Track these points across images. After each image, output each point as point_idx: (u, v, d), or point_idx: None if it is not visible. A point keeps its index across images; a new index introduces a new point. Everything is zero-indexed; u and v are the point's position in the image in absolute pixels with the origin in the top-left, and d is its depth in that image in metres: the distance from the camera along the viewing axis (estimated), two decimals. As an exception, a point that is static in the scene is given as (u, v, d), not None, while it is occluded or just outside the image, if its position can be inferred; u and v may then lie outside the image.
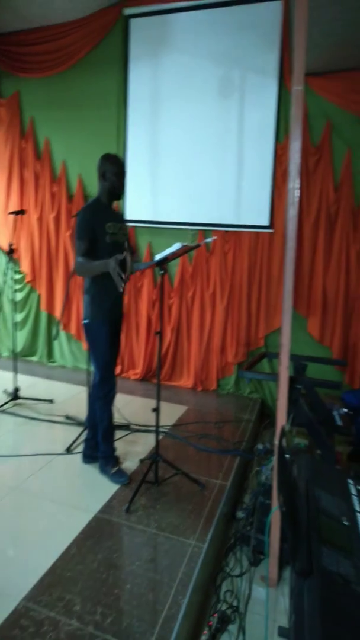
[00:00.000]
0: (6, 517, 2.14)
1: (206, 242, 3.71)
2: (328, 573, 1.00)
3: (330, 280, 3.66)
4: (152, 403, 2.42)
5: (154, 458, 2.42)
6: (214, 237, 3.53)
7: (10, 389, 3.56)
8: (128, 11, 3.99)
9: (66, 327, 4.60)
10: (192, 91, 3.88)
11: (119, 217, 2.57)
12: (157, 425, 2.42)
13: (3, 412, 3.35)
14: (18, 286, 4.69)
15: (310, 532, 1.11)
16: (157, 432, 2.43)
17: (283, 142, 3.66)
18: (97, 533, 2.03)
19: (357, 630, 0.88)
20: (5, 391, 3.63)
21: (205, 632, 1.64)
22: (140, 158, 4.13)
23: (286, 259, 1.81)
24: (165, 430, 3.15)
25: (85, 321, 2.45)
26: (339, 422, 2.52)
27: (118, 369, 4.32)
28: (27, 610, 1.60)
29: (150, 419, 2.47)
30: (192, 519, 2.17)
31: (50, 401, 3.59)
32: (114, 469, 2.49)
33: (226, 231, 3.93)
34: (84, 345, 4.25)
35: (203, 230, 4.01)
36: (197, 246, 2.64)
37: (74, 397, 3.71)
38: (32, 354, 4.78)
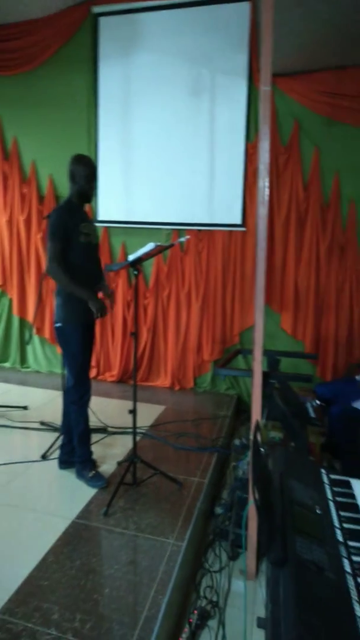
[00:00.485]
0: (-20, 528, 2.08)
1: (180, 242, 3.73)
2: (302, 561, 1.01)
3: (301, 277, 3.74)
4: (129, 404, 2.40)
5: (131, 459, 2.40)
6: (187, 237, 3.55)
7: (-17, 395, 3.47)
8: (97, 9, 3.96)
9: (39, 331, 4.52)
10: (163, 91, 3.88)
11: (89, 219, 2.55)
12: (134, 427, 2.41)
13: (-25, 420, 3.25)
14: (-12, 291, 4.57)
15: (284, 523, 1.13)
16: (134, 434, 2.41)
17: (253, 142, 3.71)
18: (75, 539, 2.00)
19: (331, 616, 0.90)
20: (-23, 398, 3.53)
21: (186, 629, 1.64)
22: (112, 158, 4.10)
23: (257, 257, 1.84)
24: (143, 431, 3.14)
25: (58, 324, 2.41)
26: (312, 414, 2.58)
27: (94, 372, 4.27)
28: (4, 623, 1.56)
29: (128, 421, 2.46)
30: (171, 518, 2.17)
31: (25, 407, 3.51)
32: (91, 473, 2.46)
33: (200, 230, 3.95)
34: (59, 349, 4.18)
35: (177, 229, 4.02)
36: (171, 246, 2.64)
37: (49, 403, 3.64)
38: (5, 360, 4.66)
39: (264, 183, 1.80)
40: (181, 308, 4.09)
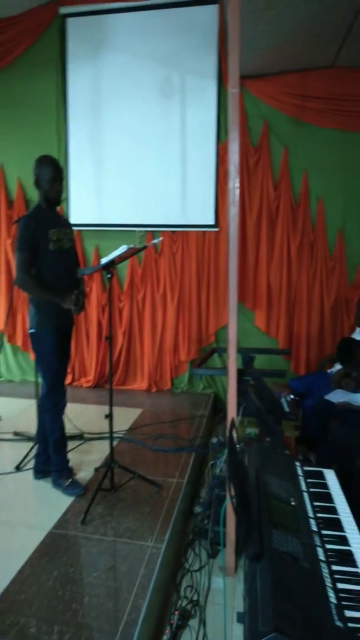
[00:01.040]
0: None
1: (154, 243, 3.72)
2: (278, 553, 1.02)
3: (273, 275, 3.80)
4: (106, 409, 2.36)
5: (108, 465, 2.36)
6: (161, 238, 3.54)
7: None
8: (64, 10, 3.92)
9: (11, 339, 4.40)
10: (133, 92, 3.87)
11: (63, 222, 2.50)
12: (111, 431, 2.37)
13: None
14: None
15: (260, 517, 1.14)
16: (110, 438, 2.38)
17: (224, 142, 3.75)
18: (52, 550, 1.95)
19: (306, 604, 0.91)
20: None
21: (167, 631, 1.63)
22: (83, 160, 4.05)
23: (229, 256, 1.86)
24: (120, 435, 3.10)
25: (31, 331, 2.36)
26: (287, 409, 2.62)
27: (69, 378, 4.20)
28: (-20, 642, 1.50)
29: (105, 426, 2.42)
30: (150, 521, 2.14)
31: (-2, 418, 3.41)
32: (68, 481, 2.41)
33: (174, 231, 3.96)
34: (32, 357, 4.09)
35: (151, 231, 4.01)
36: (144, 247, 2.63)
37: (23, 412, 3.55)
38: (-24, 369, 4.53)
39: (234, 184, 1.83)
40: (157, 309, 4.08)
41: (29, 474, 2.58)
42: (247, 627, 0.95)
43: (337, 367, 3.03)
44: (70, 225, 2.55)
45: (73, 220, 4.10)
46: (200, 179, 3.84)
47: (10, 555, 1.92)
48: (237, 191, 1.83)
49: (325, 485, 1.35)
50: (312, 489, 1.32)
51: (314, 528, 1.13)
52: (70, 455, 2.57)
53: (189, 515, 2.35)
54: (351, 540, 1.09)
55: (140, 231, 4.02)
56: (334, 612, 0.87)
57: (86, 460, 2.74)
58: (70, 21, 3.95)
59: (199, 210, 3.88)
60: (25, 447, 2.84)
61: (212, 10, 3.65)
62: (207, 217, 3.87)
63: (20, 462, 2.68)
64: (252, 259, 3.82)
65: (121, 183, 3.99)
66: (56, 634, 1.52)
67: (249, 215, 3.78)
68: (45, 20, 3.97)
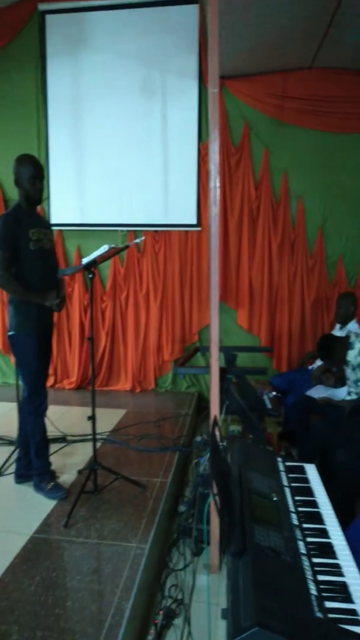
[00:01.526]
0: None
1: (135, 243, 3.71)
2: (260, 548, 1.02)
3: (255, 273, 3.83)
4: (90, 411, 2.34)
5: (92, 467, 2.34)
6: (143, 238, 3.53)
7: None
8: (43, 7, 3.87)
9: (-9, 341, 4.32)
10: (114, 91, 3.84)
11: (43, 222, 2.48)
12: (94, 433, 2.35)
13: None
14: None
15: (243, 514, 1.14)
16: (94, 440, 2.35)
17: (206, 142, 3.76)
18: (34, 555, 1.92)
19: (287, 598, 0.91)
20: None
21: (152, 631, 1.62)
22: (63, 159, 4.01)
23: (211, 256, 1.87)
24: (104, 436, 3.08)
25: (11, 333, 2.33)
26: (269, 405, 2.64)
27: (51, 380, 4.15)
28: None
29: (88, 428, 2.40)
30: (134, 522, 2.13)
31: (-23, 421, 3.34)
32: (50, 485, 2.37)
33: (156, 231, 3.95)
34: (13, 359, 4.03)
35: (133, 230, 3.99)
36: (126, 247, 2.61)
37: (3, 416, 3.49)
38: None
39: (215, 184, 1.84)
40: (140, 309, 4.07)
41: (10, 479, 2.53)
42: (230, 623, 0.95)
43: (318, 363, 3.08)
44: (50, 226, 2.53)
45: (54, 220, 4.06)
46: (182, 179, 3.84)
47: (-9, 562, 1.88)
48: (218, 191, 1.85)
49: (306, 480, 1.36)
50: (293, 484, 1.33)
51: (295, 522, 1.14)
52: (52, 459, 2.54)
53: (173, 514, 2.35)
54: (331, 533, 1.10)
55: (122, 231, 4.01)
56: (315, 603, 0.88)
57: (69, 463, 2.71)
58: (50, 18, 3.90)
59: (181, 210, 3.88)
60: (6, 451, 2.79)
61: (192, 10, 3.66)
62: (189, 216, 3.88)
63: (1, 467, 2.64)
64: (234, 258, 3.85)
65: (103, 182, 3.96)
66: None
67: (231, 214, 3.80)
68: (24, 16, 3.92)
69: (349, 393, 2.61)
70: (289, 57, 3.35)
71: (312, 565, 1.00)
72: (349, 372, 2.61)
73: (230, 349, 2.60)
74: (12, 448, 2.77)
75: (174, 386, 4.12)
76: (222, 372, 1.95)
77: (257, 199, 3.76)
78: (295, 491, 1.29)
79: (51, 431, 2.60)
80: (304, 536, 1.09)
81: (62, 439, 3.02)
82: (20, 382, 2.45)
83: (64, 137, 3.99)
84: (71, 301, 4.13)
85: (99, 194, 3.99)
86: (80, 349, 4.13)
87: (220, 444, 1.45)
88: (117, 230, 4.00)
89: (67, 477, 2.54)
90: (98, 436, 2.43)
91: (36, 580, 1.77)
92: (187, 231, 3.92)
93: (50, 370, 4.08)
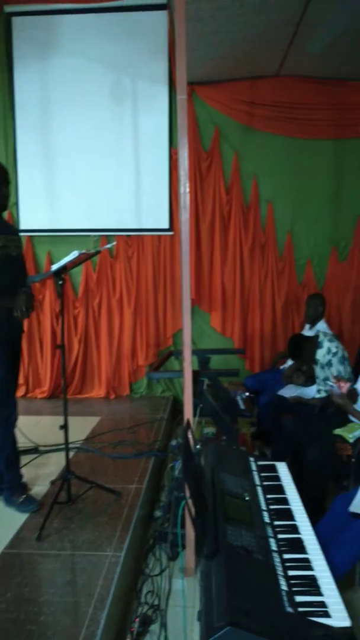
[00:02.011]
0: None
1: (107, 248, 3.68)
2: (232, 548, 1.03)
3: (227, 277, 3.88)
4: (62, 420, 2.28)
5: (64, 476, 2.28)
6: (114, 242, 3.51)
7: None
8: (9, 9, 3.81)
9: None
10: (84, 96, 3.81)
11: (9, 228, 2.42)
12: (67, 442, 2.29)
13: None
14: None
15: (216, 515, 1.14)
16: (67, 449, 2.29)
17: (177, 147, 3.78)
18: (5, 571, 1.85)
19: (259, 596, 0.92)
20: None
21: (128, 639, 1.59)
22: (33, 163, 3.93)
23: (182, 260, 1.88)
24: (77, 445, 3.02)
25: None
26: (242, 406, 2.67)
27: (23, 390, 4.04)
28: None
29: (61, 437, 2.34)
30: (109, 530, 2.09)
31: None
32: (21, 498, 2.30)
33: (129, 236, 3.93)
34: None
35: (105, 235, 3.96)
36: (98, 252, 2.59)
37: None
38: None
39: (184, 189, 1.85)
40: (113, 315, 4.03)
41: (-21, 494, 2.44)
42: (203, 624, 0.95)
43: (290, 363, 3.13)
44: (17, 233, 2.47)
45: (23, 225, 3.98)
46: (154, 183, 3.85)
47: None
48: (188, 196, 1.86)
49: (277, 478, 1.38)
50: (265, 483, 1.35)
51: (267, 520, 1.15)
52: (24, 470, 2.46)
53: (149, 520, 2.32)
54: (301, 528, 1.12)
55: (94, 236, 3.97)
56: (285, 599, 0.89)
57: (42, 474, 2.64)
58: (16, 20, 3.84)
59: (153, 215, 3.88)
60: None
61: (161, 16, 3.68)
62: (161, 221, 3.88)
63: (-30, 481, 2.54)
64: (206, 262, 3.88)
65: (74, 187, 3.91)
66: (10, 658, 1.45)
67: (202, 218, 3.83)
68: (-11, 18, 3.84)
69: (319, 391, 2.67)
70: (257, 65, 3.42)
71: (283, 561, 1.01)
72: (318, 370, 2.67)
73: (203, 351, 2.62)
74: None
75: (149, 391, 4.10)
76: (196, 375, 1.95)
77: (228, 204, 3.81)
78: (267, 489, 1.30)
79: (22, 442, 2.54)
80: (275, 533, 1.10)
81: (34, 450, 2.95)
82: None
83: (32, 141, 3.92)
84: (42, 308, 4.05)
85: (70, 198, 3.94)
86: (52, 357, 4.05)
87: (197, 446, 1.45)
88: (89, 236, 3.96)
89: (39, 489, 2.47)
90: (71, 445, 2.38)
91: (7, 597, 1.71)
92: (160, 235, 3.92)
93: (22, 380, 3.99)
